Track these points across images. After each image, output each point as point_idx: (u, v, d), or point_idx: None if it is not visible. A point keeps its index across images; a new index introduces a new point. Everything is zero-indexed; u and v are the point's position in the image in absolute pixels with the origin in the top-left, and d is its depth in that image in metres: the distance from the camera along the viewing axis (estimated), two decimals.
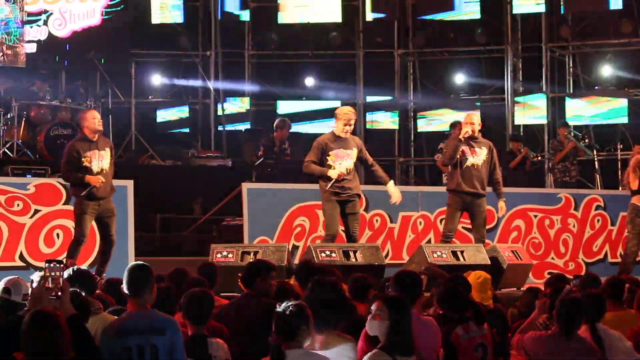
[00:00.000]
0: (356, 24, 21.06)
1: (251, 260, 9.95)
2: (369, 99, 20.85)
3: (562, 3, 19.29)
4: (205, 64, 20.72)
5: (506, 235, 13.61)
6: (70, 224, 11.51)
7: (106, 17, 17.99)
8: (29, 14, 17.21)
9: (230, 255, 10.51)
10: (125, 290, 5.65)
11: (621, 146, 19.42)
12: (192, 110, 20.68)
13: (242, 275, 7.36)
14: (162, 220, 14.98)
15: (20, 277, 7.53)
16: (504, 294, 10.34)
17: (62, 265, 5.13)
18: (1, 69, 16.72)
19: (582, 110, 19.64)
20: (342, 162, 10.85)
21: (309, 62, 21.21)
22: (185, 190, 15.93)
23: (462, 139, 11.53)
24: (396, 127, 20.93)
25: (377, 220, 13.06)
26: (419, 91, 21.19)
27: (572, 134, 17.40)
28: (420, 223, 13.25)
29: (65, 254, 10.81)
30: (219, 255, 10.51)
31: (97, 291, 7.32)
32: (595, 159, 18.91)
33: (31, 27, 17.28)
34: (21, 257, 11.40)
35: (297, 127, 18.77)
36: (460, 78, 20.97)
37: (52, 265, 5.10)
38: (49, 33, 17.51)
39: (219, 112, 20.14)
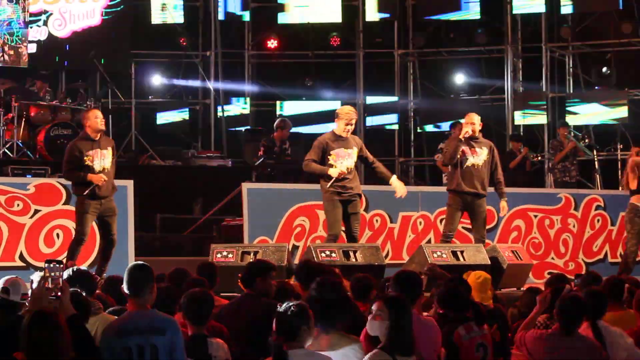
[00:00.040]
0: (356, 24, 21.05)
1: (251, 260, 9.95)
2: (369, 99, 20.83)
3: (571, 2, 19.22)
4: (205, 64, 20.71)
5: (506, 235, 13.61)
6: (70, 224, 11.51)
7: (106, 17, 17.99)
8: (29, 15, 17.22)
9: (230, 256, 10.51)
10: (126, 290, 5.65)
11: (621, 146, 19.42)
12: (192, 110, 20.67)
13: (242, 275, 7.36)
14: (162, 221, 14.97)
15: (19, 277, 7.53)
16: (504, 294, 10.34)
17: (61, 266, 5.14)
18: (1, 69, 16.72)
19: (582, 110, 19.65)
20: (343, 162, 10.85)
21: (309, 62, 21.20)
22: (185, 190, 15.93)
23: (463, 139, 11.53)
24: (396, 127, 20.93)
25: (377, 220, 13.06)
26: (419, 91, 21.18)
27: (572, 134, 17.41)
28: (420, 223, 13.25)
29: (65, 254, 10.83)
30: (219, 255, 10.51)
31: (97, 291, 7.33)
32: (595, 159, 18.90)
33: (31, 27, 17.27)
34: (21, 257, 11.40)
35: (298, 129, 18.75)
36: (460, 78, 20.97)
37: (52, 265, 5.10)
38: (49, 33, 17.51)
39: (219, 114, 20.12)
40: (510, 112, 20.19)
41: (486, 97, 20.75)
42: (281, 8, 20.29)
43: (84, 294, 6.25)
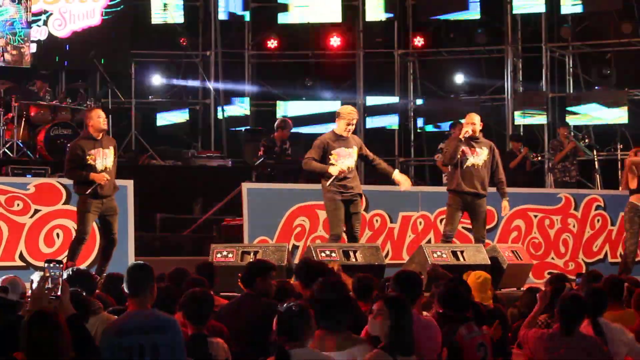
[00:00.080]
0: (356, 25, 21.05)
1: (251, 260, 9.95)
2: (369, 99, 20.81)
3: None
4: (206, 64, 20.71)
5: (506, 235, 13.61)
6: (70, 223, 11.52)
7: (106, 17, 17.98)
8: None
9: (230, 255, 10.51)
10: (126, 290, 5.65)
11: (621, 146, 19.41)
12: (192, 110, 20.66)
13: (242, 275, 7.36)
14: (162, 220, 14.98)
15: (17, 276, 7.54)
16: (504, 294, 10.34)
17: (61, 266, 5.14)
18: (1, 69, 16.72)
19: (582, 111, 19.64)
20: (344, 161, 10.85)
21: (309, 62, 21.20)
22: (185, 190, 15.93)
23: (463, 139, 11.53)
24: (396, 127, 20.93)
25: (377, 220, 13.06)
26: (419, 91, 21.18)
27: (572, 134, 17.42)
28: (420, 223, 13.26)
29: (66, 254, 10.83)
30: (219, 255, 10.51)
31: (97, 291, 7.33)
32: (595, 159, 18.90)
33: (31, 27, 17.27)
34: (21, 257, 11.41)
35: (300, 129, 18.75)
36: (460, 78, 20.96)
37: (51, 265, 5.10)
38: (49, 33, 17.51)
39: (219, 116, 20.11)
40: (510, 112, 20.19)
41: (486, 97, 20.75)
42: (281, 8, 20.28)
43: (84, 293, 6.25)
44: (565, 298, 6.40)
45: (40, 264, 9.30)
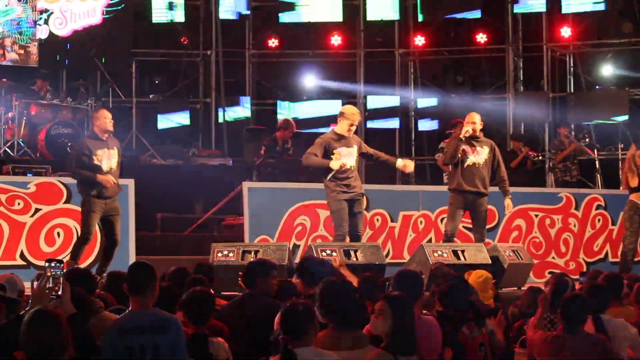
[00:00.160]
0: (357, 24, 21.05)
1: (252, 259, 9.94)
2: (370, 99, 20.80)
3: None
4: (206, 63, 20.71)
5: (507, 234, 13.61)
6: (71, 222, 11.53)
7: (107, 16, 17.98)
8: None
9: (231, 255, 10.50)
10: (127, 289, 5.65)
11: (622, 146, 19.40)
12: (192, 109, 20.65)
13: (242, 274, 7.36)
14: (162, 220, 14.97)
15: (15, 274, 7.54)
16: (505, 293, 10.35)
17: (62, 265, 5.14)
18: (2, 68, 16.72)
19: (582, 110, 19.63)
20: (345, 161, 10.86)
21: (309, 62, 21.20)
22: (186, 189, 15.92)
23: (463, 138, 11.54)
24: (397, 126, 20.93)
25: (377, 220, 13.06)
26: (420, 90, 21.17)
27: (573, 134, 17.42)
28: (421, 222, 13.25)
29: (68, 254, 10.83)
30: (219, 255, 10.50)
31: (98, 290, 7.32)
32: (596, 158, 18.89)
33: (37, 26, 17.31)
34: (22, 256, 11.41)
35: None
36: (461, 78, 20.96)
37: (52, 264, 5.10)
38: (50, 32, 17.50)
39: (220, 120, 20.09)
40: (511, 112, 20.19)
41: (487, 97, 20.75)
42: (282, 7, 20.27)
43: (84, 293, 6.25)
44: (567, 298, 6.38)
45: (41, 263, 9.31)
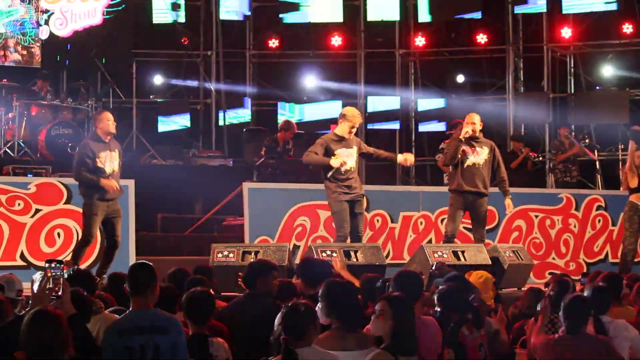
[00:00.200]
0: (357, 24, 21.05)
1: (252, 260, 9.94)
2: (371, 99, 20.78)
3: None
4: (207, 64, 20.71)
5: (507, 235, 13.61)
6: (71, 223, 11.53)
7: (107, 16, 17.98)
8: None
9: (231, 255, 10.50)
10: (128, 289, 5.65)
11: (622, 146, 19.40)
12: (193, 110, 20.65)
13: (243, 275, 7.36)
14: (162, 220, 14.97)
15: (13, 274, 7.54)
16: (505, 294, 10.34)
17: (62, 266, 5.14)
18: (2, 68, 16.73)
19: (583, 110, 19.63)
20: (346, 160, 10.87)
21: (309, 62, 21.20)
22: (186, 190, 15.92)
23: (463, 139, 11.55)
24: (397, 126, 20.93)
25: (378, 220, 13.06)
26: (420, 91, 21.17)
27: (573, 134, 17.41)
28: (421, 223, 13.25)
29: (69, 255, 10.83)
30: (219, 255, 10.50)
31: (98, 291, 7.33)
32: (597, 159, 18.89)
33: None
34: (22, 257, 11.41)
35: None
36: (461, 78, 20.96)
37: (52, 265, 5.10)
38: (50, 32, 17.50)
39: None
40: (512, 112, 20.19)
41: (487, 97, 20.75)
42: (282, 8, 20.28)
43: (85, 293, 6.25)
44: (569, 299, 6.36)
45: (41, 263, 9.29)
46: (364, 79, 20.96)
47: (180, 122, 20.12)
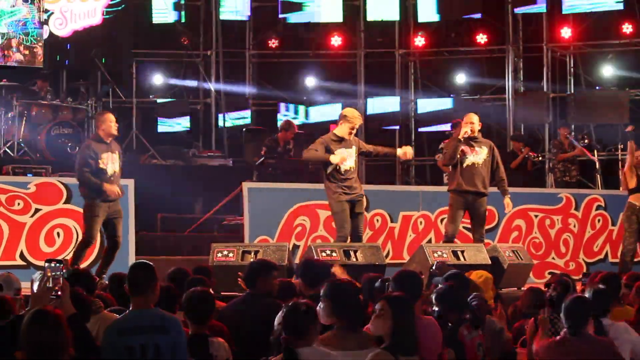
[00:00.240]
0: (357, 24, 21.05)
1: (252, 259, 9.95)
2: (370, 101, 20.76)
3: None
4: (207, 64, 20.71)
5: (507, 235, 13.62)
6: (70, 222, 11.53)
7: (107, 16, 17.97)
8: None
9: (230, 255, 10.51)
10: (128, 289, 5.65)
11: (622, 146, 19.39)
12: (193, 110, 20.65)
13: (244, 275, 7.36)
14: (162, 220, 14.97)
15: (11, 272, 7.54)
16: (505, 293, 10.34)
17: (62, 265, 5.14)
18: (2, 68, 16.73)
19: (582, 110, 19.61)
20: (345, 162, 10.89)
21: (309, 62, 21.20)
22: (186, 189, 15.92)
23: (462, 139, 11.56)
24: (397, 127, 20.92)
25: (377, 220, 13.06)
26: (420, 91, 21.17)
27: (573, 134, 17.40)
28: (421, 223, 13.26)
29: (66, 254, 10.83)
30: (219, 255, 10.50)
31: (97, 291, 7.33)
32: (596, 159, 18.88)
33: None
34: (22, 256, 11.41)
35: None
36: (461, 78, 20.96)
37: (52, 265, 5.10)
38: (50, 32, 17.50)
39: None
40: (512, 112, 20.19)
41: (487, 97, 20.75)
42: (283, 8, 20.27)
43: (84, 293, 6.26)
44: (570, 300, 6.33)
45: (41, 263, 9.31)
46: (364, 79, 20.95)
47: (181, 122, 20.12)
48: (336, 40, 20.87)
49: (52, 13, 17.47)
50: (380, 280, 7.40)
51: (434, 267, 9.32)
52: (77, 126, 15.86)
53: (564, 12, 19.77)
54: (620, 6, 19.13)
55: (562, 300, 6.55)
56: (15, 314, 5.95)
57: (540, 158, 18.89)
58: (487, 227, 12.12)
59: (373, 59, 21.27)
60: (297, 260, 11.17)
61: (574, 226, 14.16)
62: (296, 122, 19.19)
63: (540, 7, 19.81)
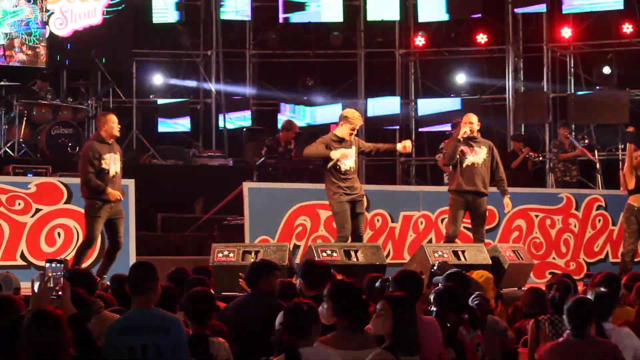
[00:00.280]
0: (357, 24, 21.05)
1: (252, 259, 9.95)
2: (371, 101, 20.74)
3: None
4: (207, 64, 20.71)
5: (507, 235, 13.62)
6: (71, 222, 11.54)
7: (107, 16, 17.98)
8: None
9: (231, 255, 10.51)
10: (129, 289, 5.65)
11: (622, 146, 19.39)
12: (193, 109, 20.64)
13: (245, 275, 7.35)
14: (163, 220, 14.97)
15: (10, 272, 7.54)
16: (505, 293, 10.33)
17: (62, 265, 5.14)
18: (2, 68, 16.73)
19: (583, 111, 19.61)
20: (345, 162, 10.90)
21: (310, 62, 21.19)
22: (186, 189, 15.92)
23: (461, 139, 11.58)
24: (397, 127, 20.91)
25: (378, 220, 13.06)
26: (420, 91, 21.17)
27: (573, 134, 17.41)
28: (422, 223, 13.26)
29: (67, 253, 10.83)
30: (220, 255, 10.51)
31: (97, 291, 7.33)
32: (597, 159, 18.88)
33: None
34: (22, 256, 11.41)
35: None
36: (461, 78, 20.96)
37: (53, 265, 5.10)
38: (50, 32, 17.51)
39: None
40: (512, 112, 20.18)
41: (487, 97, 20.74)
42: (285, 7, 20.27)
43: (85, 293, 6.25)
44: (572, 302, 6.30)
45: (42, 263, 9.30)
46: (364, 79, 20.94)
47: (181, 123, 20.11)
48: (336, 40, 20.83)
49: (52, 13, 17.47)
50: (380, 280, 7.40)
51: (435, 267, 9.32)
52: (77, 126, 15.87)
53: (564, 12, 19.77)
54: (621, 6, 19.13)
55: (564, 302, 6.53)
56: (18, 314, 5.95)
57: (540, 158, 18.89)
58: (487, 227, 12.12)
59: (373, 58, 21.25)
60: (297, 260, 11.17)
61: (575, 226, 14.15)
62: (302, 123, 19.26)
63: (541, 7, 19.79)
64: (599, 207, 14.35)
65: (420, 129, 20.94)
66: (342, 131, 10.98)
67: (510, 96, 20.33)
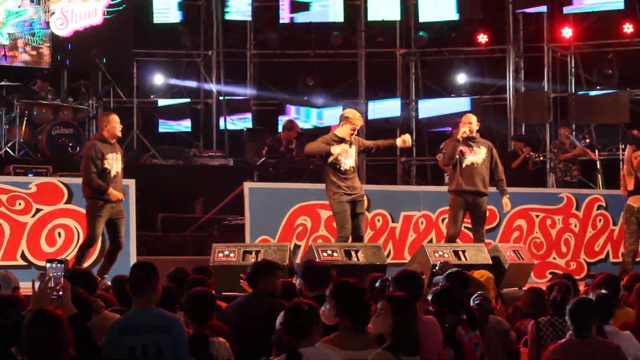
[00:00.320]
0: (358, 24, 21.05)
1: (253, 259, 9.95)
2: (371, 104, 20.73)
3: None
4: (207, 64, 20.71)
5: (508, 235, 13.62)
6: (71, 222, 11.54)
7: (108, 16, 17.98)
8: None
9: (232, 255, 10.51)
10: (130, 289, 5.65)
11: (622, 146, 19.39)
12: (193, 109, 20.64)
13: (247, 274, 7.35)
14: (163, 220, 14.97)
15: (9, 271, 7.54)
16: (506, 293, 10.33)
17: (63, 265, 5.14)
18: (2, 68, 16.74)
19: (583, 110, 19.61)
20: (345, 162, 10.91)
21: (310, 62, 21.19)
22: (186, 189, 15.93)
23: (460, 139, 11.59)
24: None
25: (378, 220, 13.06)
26: (421, 90, 21.16)
27: (574, 134, 17.40)
28: (422, 223, 13.26)
29: (67, 253, 10.83)
30: (220, 255, 10.51)
31: (98, 291, 7.33)
32: (597, 159, 18.89)
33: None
34: (23, 256, 11.42)
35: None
36: (462, 78, 20.96)
37: (53, 265, 5.10)
38: (51, 32, 17.51)
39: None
40: (512, 112, 20.18)
41: (488, 97, 20.74)
42: (283, 7, 20.27)
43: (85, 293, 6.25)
44: (574, 303, 6.28)
45: (42, 263, 9.30)
46: (365, 79, 20.94)
47: (182, 124, 20.11)
48: (337, 40, 20.82)
49: (53, 13, 17.47)
50: (380, 280, 7.40)
51: (437, 267, 9.33)
52: (78, 126, 15.87)
53: (564, 12, 19.76)
54: (621, 6, 19.13)
55: (565, 303, 6.52)
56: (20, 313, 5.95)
57: (541, 158, 18.90)
58: (488, 227, 12.13)
59: (374, 58, 21.24)
60: (298, 261, 11.17)
61: (575, 226, 14.16)
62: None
63: (541, 8, 19.79)
64: (599, 207, 14.35)
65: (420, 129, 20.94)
66: (342, 131, 10.98)
67: (510, 96, 20.32)
